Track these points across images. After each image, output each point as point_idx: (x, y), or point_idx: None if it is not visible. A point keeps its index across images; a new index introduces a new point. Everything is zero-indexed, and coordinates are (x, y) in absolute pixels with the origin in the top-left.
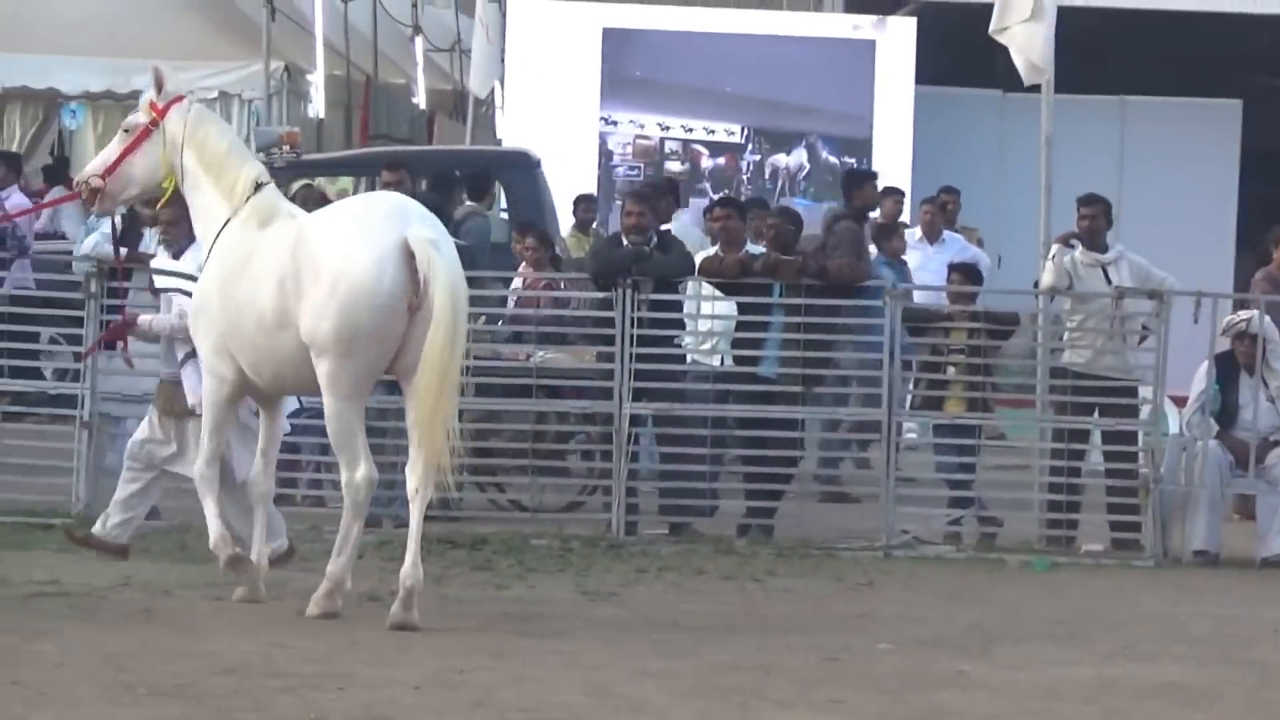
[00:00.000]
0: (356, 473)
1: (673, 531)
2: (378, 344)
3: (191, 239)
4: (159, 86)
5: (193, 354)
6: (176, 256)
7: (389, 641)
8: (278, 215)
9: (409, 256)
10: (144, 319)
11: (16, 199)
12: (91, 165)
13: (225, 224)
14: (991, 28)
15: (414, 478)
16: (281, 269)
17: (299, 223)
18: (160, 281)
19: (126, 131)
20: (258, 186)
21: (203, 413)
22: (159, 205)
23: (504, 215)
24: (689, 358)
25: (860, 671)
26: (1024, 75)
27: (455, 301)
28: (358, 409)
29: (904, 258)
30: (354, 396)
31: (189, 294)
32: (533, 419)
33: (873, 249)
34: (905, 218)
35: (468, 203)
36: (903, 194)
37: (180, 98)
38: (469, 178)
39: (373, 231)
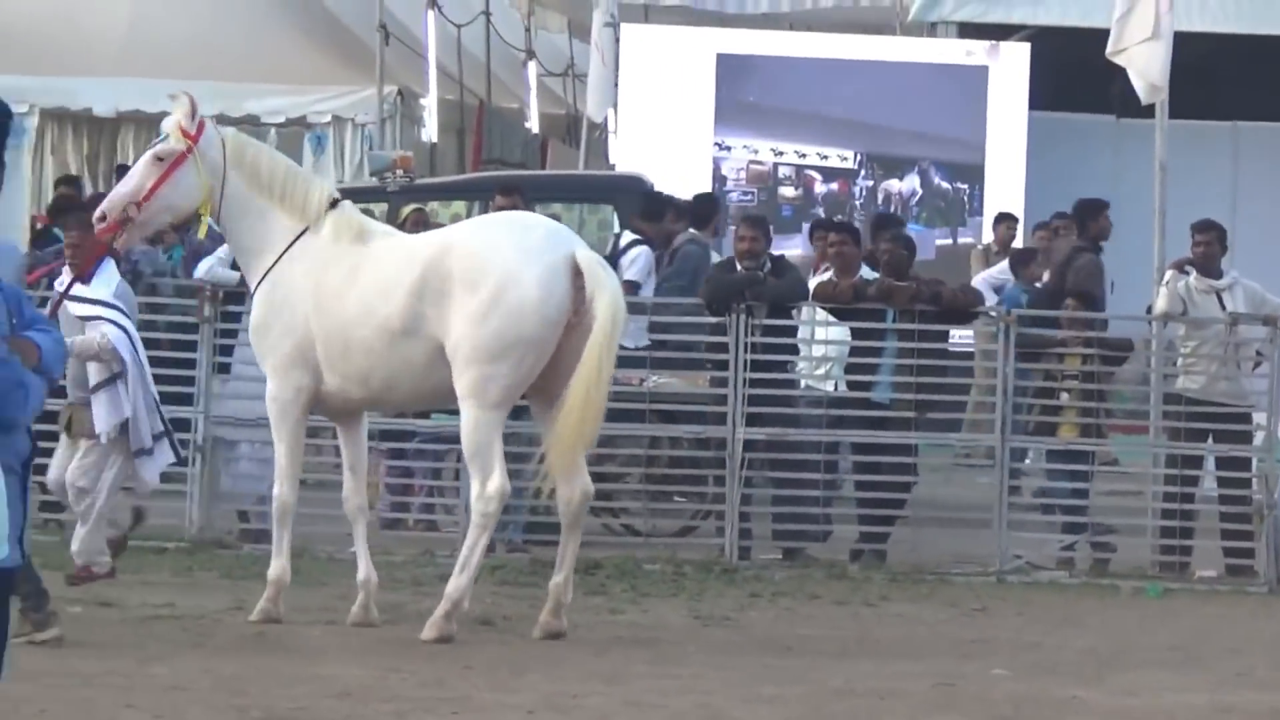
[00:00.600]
0: (490, 484)
1: (786, 556)
2: (536, 356)
3: (101, 262)
4: (191, 112)
5: (108, 381)
6: (85, 281)
7: (503, 666)
8: (373, 230)
9: (576, 274)
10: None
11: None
12: (119, 195)
13: (297, 238)
14: (1109, 49)
15: (571, 510)
16: (416, 280)
17: (437, 236)
18: (77, 309)
19: (161, 160)
20: (333, 203)
21: (276, 429)
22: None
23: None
24: (803, 383)
25: (974, 697)
26: (1142, 95)
27: (615, 322)
28: (499, 420)
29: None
30: (500, 407)
31: (115, 321)
32: (646, 444)
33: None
34: (1020, 243)
35: (690, 230)
36: (1016, 220)
37: (203, 122)
38: (692, 204)
39: (541, 246)
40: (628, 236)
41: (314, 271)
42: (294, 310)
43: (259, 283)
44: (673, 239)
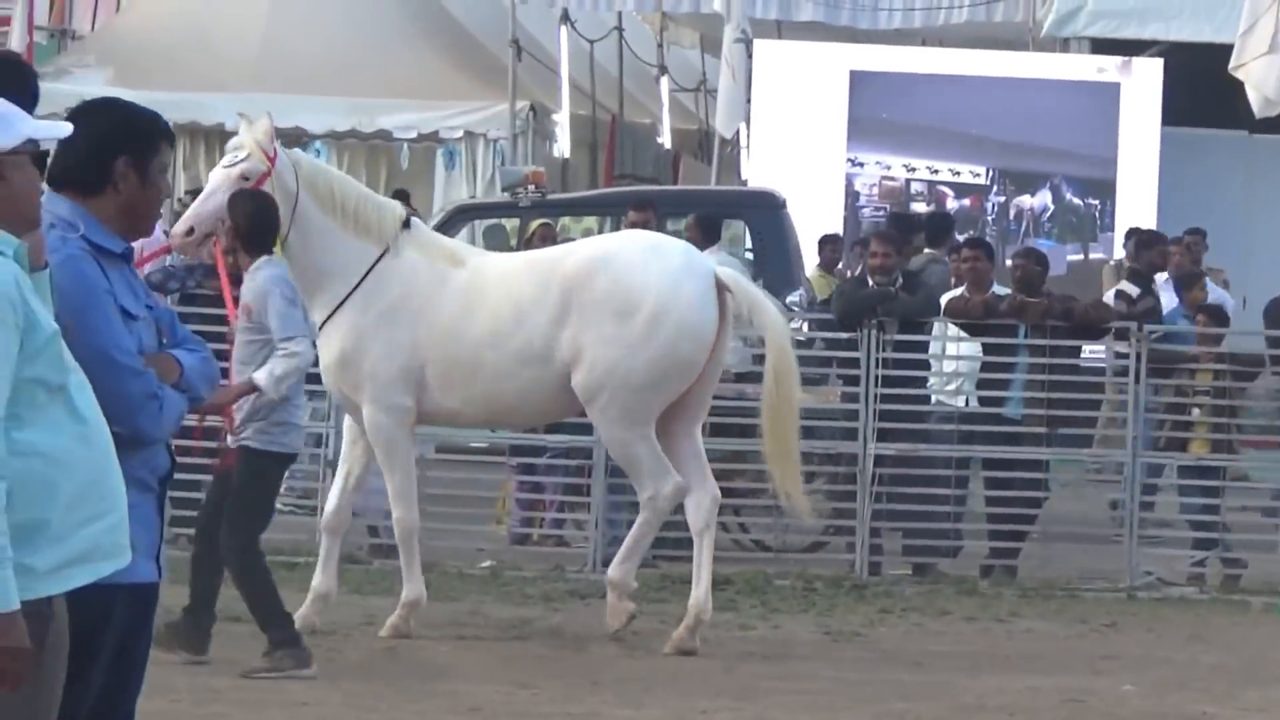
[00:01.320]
0: (665, 485)
1: (916, 572)
2: (688, 378)
3: None
4: (271, 133)
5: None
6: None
7: (632, 682)
8: (462, 250)
9: (718, 290)
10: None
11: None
12: (207, 211)
13: (376, 262)
14: (1231, 64)
15: (701, 514)
16: (555, 303)
17: (566, 256)
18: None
19: (246, 179)
20: (405, 222)
21: (387, 455)
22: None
23: (749, 256)
24: (934, 398)
25: (1104, 713)
26: (1256, 109)
27: (785, 333)
28: (649, 433)
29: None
30: (647, 425)
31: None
32: None
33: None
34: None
35: (926, 250)
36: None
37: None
38: (930, 220)
39: (685, 267)
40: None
41: (415, 295)
42: (395, 334)
43: (334, 311)
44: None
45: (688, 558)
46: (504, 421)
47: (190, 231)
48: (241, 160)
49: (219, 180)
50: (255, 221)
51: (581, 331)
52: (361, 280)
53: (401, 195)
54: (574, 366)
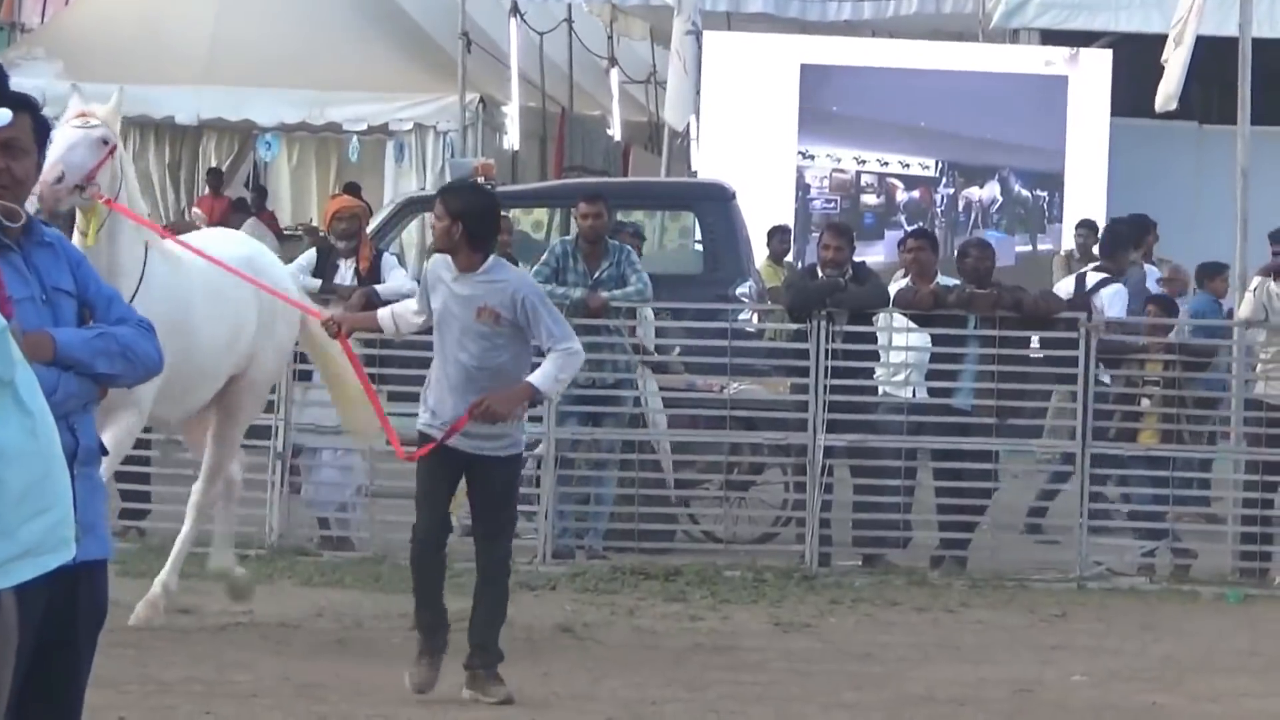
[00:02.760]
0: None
1: (866, 563)
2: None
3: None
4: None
5: None
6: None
7: (581, 673)
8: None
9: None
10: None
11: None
12: (71, 160)
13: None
14: (1164, 54)
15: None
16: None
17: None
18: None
19: (106, 143)
20: None
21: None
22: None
23: (698, 247)
24: (880, 389)
25: (1055, 703)
26: (1158, 101)
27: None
28: None
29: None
30: None
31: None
32: (726, 450)
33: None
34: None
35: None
36: (1096, 226)
37: None
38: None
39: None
40: (1094, 276)
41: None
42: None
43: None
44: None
45: (632, 549)
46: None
47: (61, 178)
48: (98, 126)
49: (78, 136)
50: (487, 220)
51: (263, 335)
52: (142, 278)
53: (352, 188)
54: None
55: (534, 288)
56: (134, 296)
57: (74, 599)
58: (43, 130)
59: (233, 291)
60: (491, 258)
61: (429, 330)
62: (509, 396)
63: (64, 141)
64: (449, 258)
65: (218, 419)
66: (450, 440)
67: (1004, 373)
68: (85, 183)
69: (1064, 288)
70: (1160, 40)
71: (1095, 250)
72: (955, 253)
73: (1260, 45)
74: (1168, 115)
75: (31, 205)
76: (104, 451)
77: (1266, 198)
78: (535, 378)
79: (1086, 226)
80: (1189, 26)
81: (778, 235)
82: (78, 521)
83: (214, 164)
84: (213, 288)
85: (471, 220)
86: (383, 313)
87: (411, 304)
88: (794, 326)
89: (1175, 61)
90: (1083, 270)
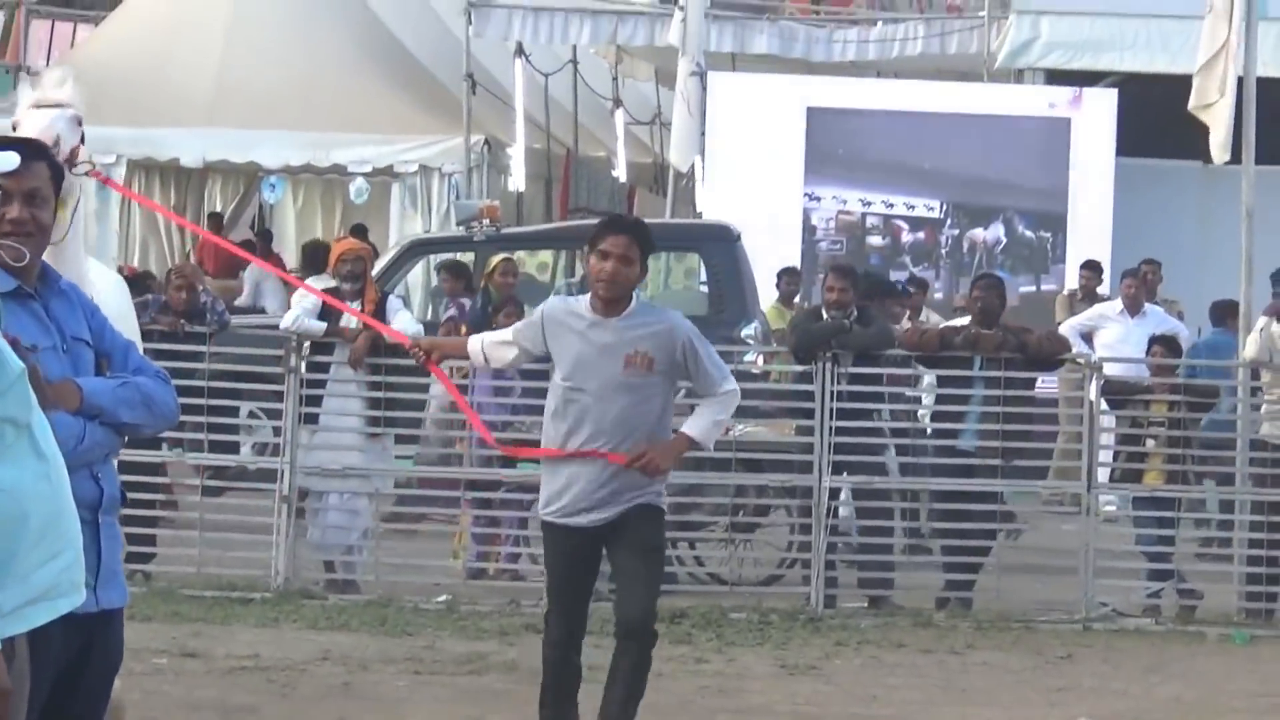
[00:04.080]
0: None
1: (871, 604)
2: None
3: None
4: None
5: None
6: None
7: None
8: None
9: None
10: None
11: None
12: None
13: None
14: (1191, 103)
15: None
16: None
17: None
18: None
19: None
20: None
21: None
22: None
23: (703, 289)
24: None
25: None
26: (1215, 155)
27: None
28: None
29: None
30: None
31: None
32: (731, 492)
33: None
34: (1105, 290)
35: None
36: (1101, 267)
37: None
38: None
39: None
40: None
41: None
42: None
43: None
44: None
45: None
46: None
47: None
48: (68, 105)
49: (54, 114)
50: (647, 257)
51: None
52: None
53: (358, 230)
54: None
55: (693, 327)
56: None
57: (89, 645)
58: (59, 178)
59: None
60: (635, 299)
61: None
62: (670, 449)
63: (41, 120)
64: (582, 300)
65: None
66: (583, 518)
67: (1009, 414)
68: (67, 164)
69: (1070, 328)
70: (1165, 80)
71: (1099, 290)
72: (969, 290)
73: (1265, 84)
74: (1173, 154)
75: None
76: (124, 499)
77: (1272, 237)
78: (694, 427)
79: (1090, 268)
80: (1229, 72)
81: (786, 277)
82: (102, 569)
83: (219, 206)
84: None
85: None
86: (473, 343)
87: (504, 335)
88: (799, 368)
89: (1221, 110)
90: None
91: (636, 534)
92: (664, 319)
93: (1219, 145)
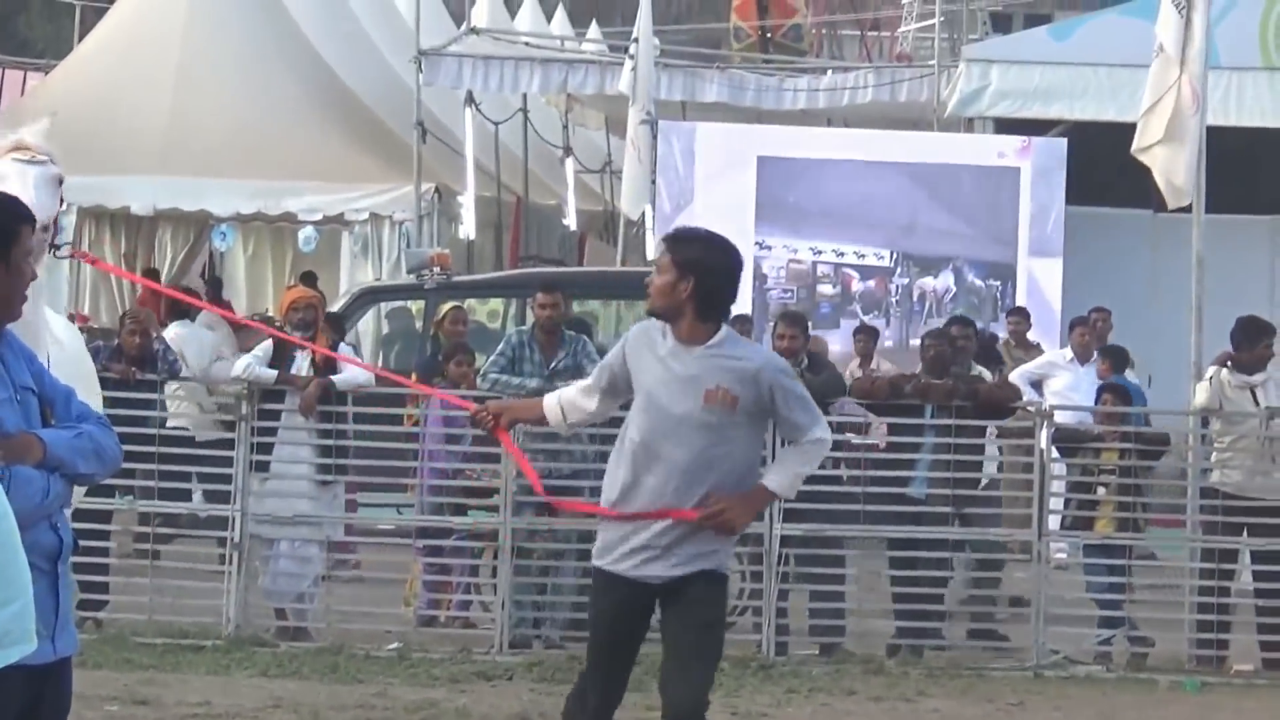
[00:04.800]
0: None
1: (823, 652)
2: None
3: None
4: None
5: None
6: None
7: None
8: None
9: None
10: None
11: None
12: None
13: None
14: (1134, 146)
15: None
16: None
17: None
18: None
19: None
20: None
21: None
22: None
23: None
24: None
25: None
26: (1168, 199)
27: None
28: None
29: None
30: None
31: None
32: None
33: None
34: (1033, 335)
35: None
36: (1028, 314)
37: None
38: None
39: None
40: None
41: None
42: None
43: None
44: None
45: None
46: None
47: (46, 227)
48: (47, 160)
49: (36, 174)
50: (727, 279)
51: None
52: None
53: (308, 278)
54: None
55: (784, 366)
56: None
57: (41, 693)
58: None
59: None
60: (724, 329)
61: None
62: (749, 503)
63: (22, 178)
64: (663, 326)
65: None
66: (641, 569)
67: (960, 461)
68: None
69: (1020, 375)
70: (1115, 128)
71: (1029, 336)
72: (913, 341)
73: (1214, 132)
74: (1123, 203)
75: None
76: (76, 547)
77: (1221, 285)
78: (775, 479)
79: (1018, 313)
80: (1188, 123)
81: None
82: (59, 617)
83: (170, 254)
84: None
85: (706, 277)
86: (549, 401)
87: (583, 382)
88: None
89: (1178, 156)
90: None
91: (697, 605)
92: (749, 354)
93: (1171, 189)
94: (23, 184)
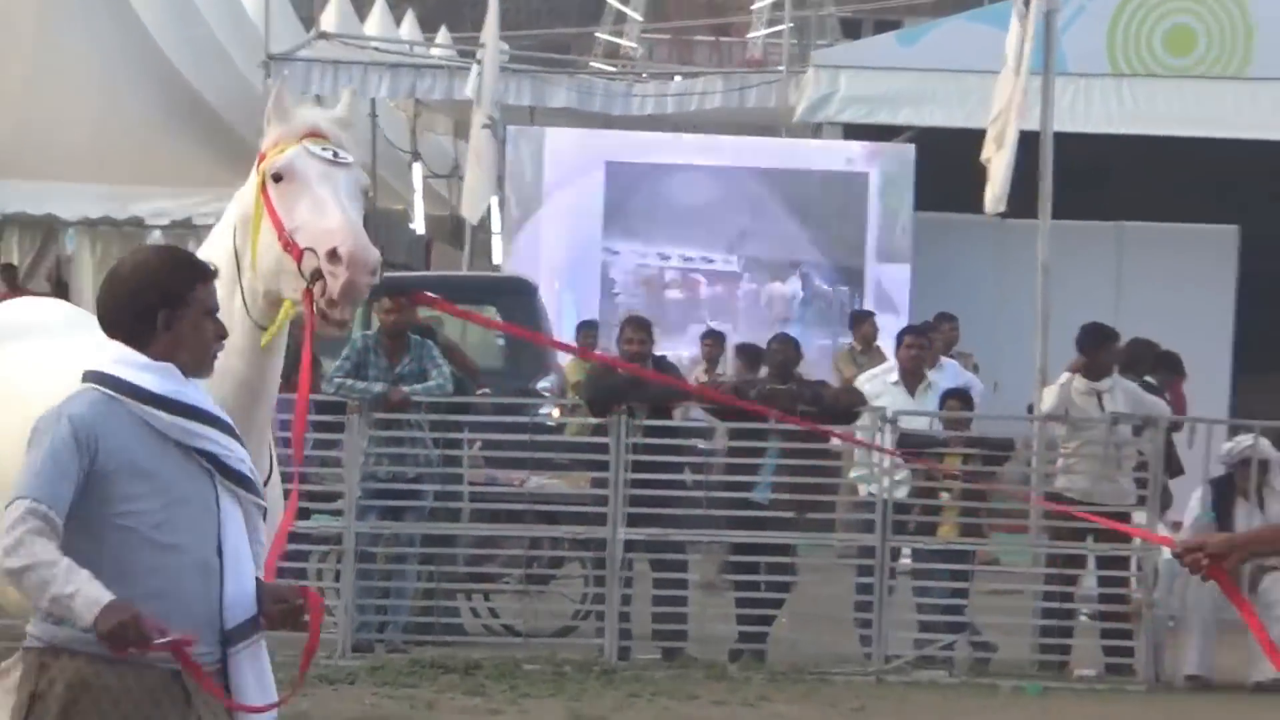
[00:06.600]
0: None
1: (665, 656)
2: None
3: None
4: None
5: None
6: None
7: None
8: None
9: None
10: None
11: None
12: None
13: None
14: (984, 153)
15: None
16: None
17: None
18: None
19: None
20: None
21: None
22: None
23: (500, 342)
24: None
25: None
26: (987, 204)
27: None
28: None
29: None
30: None
31: None
32: (526, 544)
33: None
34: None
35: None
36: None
37: None
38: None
39: None
40: None
41: None
42: None
43: None
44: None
45: (433, 642)
46: None
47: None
48: (353, 162)
49: (349, 182)
50: None
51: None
52: None
53: None
54: None
55: None
56: None
57: None
58: None
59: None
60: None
61: None
62: None
63: (343, 189)
64: None
65: None
66: None
67: (803, 467)
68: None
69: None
70: (962, 134)
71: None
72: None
73: (1061, 140)
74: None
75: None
76: None
77: (1067, 291)
78: None
79: (866, 318)
80: (1010, 126)
81: (584, 330)
82: None
83: (16, 258)
84: None
85: None
86: None
87: None
88: (595, 421)
89: (999, 162)
90: None
91: None
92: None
93: (993, 198)
94: (346, 196)
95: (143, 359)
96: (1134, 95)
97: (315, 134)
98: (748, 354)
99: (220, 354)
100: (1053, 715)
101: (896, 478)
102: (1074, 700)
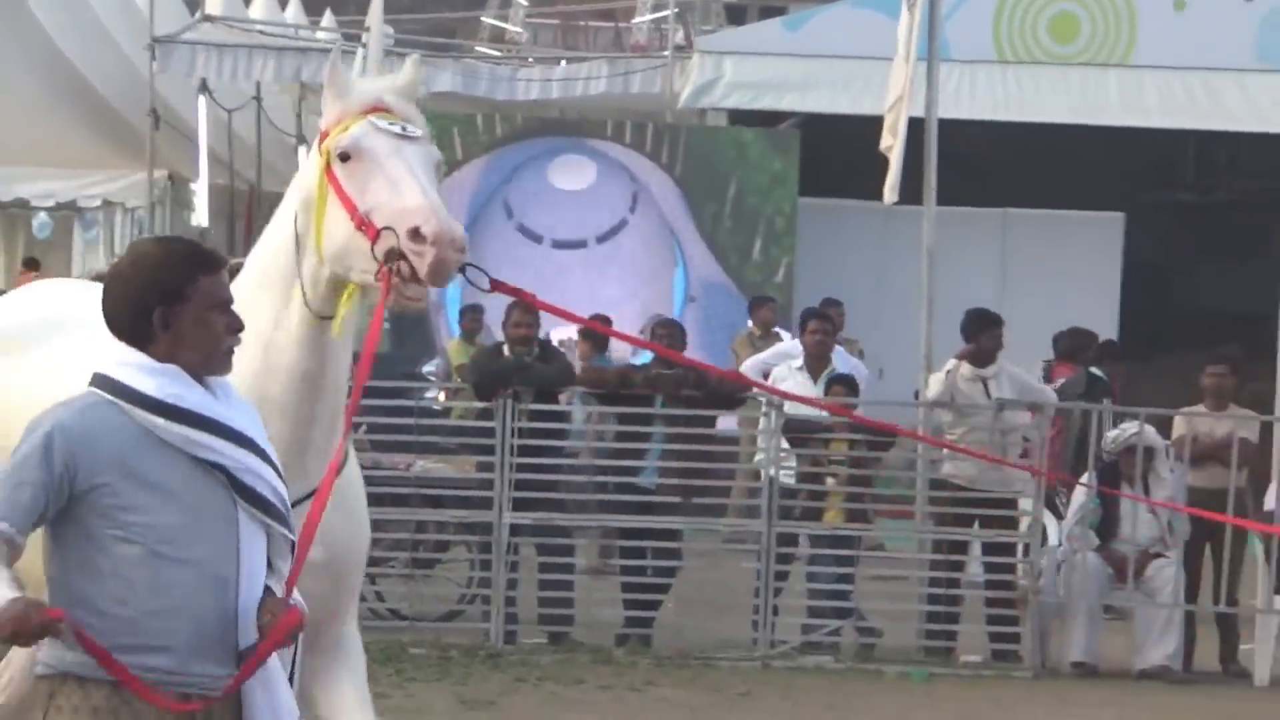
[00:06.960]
0: None
1: (551, 641)
2: None
3: None
4: None
5: None
6: None
7: None
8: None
9: None
10: None
11: None
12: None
13: None
14: (882, 144)
15: None
16: None
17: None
18: None
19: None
20: None
21: None
22: None
23: (387, 325)
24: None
25: None
26: (885, 195)
27: None
28: None
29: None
30: None
31: None
32: (412, 528)
33: None
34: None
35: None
36: (775, 302)
37: None
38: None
39: None
40: None
41: None
42: None
43: None
44: None
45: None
46: None
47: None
48: (425, 136)
49: (424, 157)
50: None
51: None
52: None
53: (30, 263)
54: None
55: None
56: None
57: None
58: None
59: None
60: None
61: None
62: None
63: (417, 163)
64: None
65: None
66: None
67: (689, 451)
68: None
69: (751, 365)
70: (846, 120)
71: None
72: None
73: (945, 126)
74: (854, 194)
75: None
76: None
77: (951, 277)
78: None
79: (764, 303)
80: (901, 115)
81: (469, 314)
82: None
83: None
84: None
85: None
86: None
87: None
88: (480, 405)
89: (895, 152)
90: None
91: None
92: None
93: (889, 187)
94: (424, 172)
95: (145, 361)
96: (1019, 82)
97: (379, 108)
98: (593, 338)
99: (271, 348)
100: (938, 701)
101: (789, 463)
102: (960, 686)
